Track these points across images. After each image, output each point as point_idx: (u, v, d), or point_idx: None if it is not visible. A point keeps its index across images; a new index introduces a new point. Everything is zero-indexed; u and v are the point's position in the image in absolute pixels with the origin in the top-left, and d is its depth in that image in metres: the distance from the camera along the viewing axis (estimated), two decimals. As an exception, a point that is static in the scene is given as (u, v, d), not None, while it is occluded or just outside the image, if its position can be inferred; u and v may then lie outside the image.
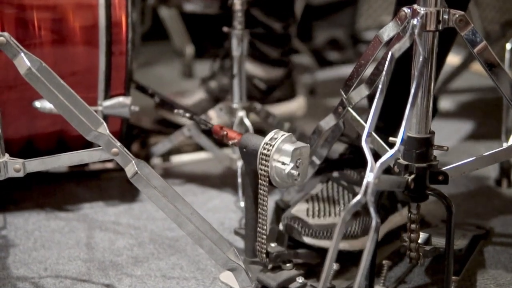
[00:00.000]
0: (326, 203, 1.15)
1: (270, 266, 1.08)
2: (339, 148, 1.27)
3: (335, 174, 1.20)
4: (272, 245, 1.07)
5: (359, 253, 1.09)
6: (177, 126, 1.53)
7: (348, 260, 1.07)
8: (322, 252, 1.09)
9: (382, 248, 1.16)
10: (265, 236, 1.04)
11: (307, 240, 1.10)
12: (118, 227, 1.27)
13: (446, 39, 0.96)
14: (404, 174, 0.95)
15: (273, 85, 1.68)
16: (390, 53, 0.91)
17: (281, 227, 1.14)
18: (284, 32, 1.68)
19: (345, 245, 1.10)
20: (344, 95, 1.04)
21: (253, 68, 1.64)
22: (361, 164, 1.18)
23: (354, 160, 1.21)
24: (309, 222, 1.11)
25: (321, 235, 1.10)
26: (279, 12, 1.66)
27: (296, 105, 1.73)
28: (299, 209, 1.14)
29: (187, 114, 1.35)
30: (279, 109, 1.64)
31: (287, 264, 1.07)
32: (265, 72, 1.67)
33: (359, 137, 1.18)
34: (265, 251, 1.05)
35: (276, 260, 1.06)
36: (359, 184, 1.17)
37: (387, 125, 1.14)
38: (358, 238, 1.12)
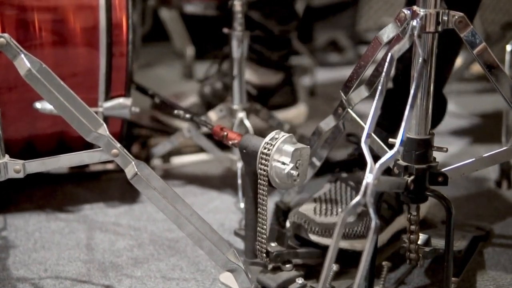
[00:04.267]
0: (334, 202, 1.15)
1: (270, 266, 1.08)
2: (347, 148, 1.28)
3: (344, 174, 1.20)
4: (272, 244, 1.07)
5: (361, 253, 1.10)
6: (172, 128, 1.54)
7: (350, 260, 1.07)
8: (325, 251, 1.09)
9: (382, 249, 1.16)
10: (265, 236, 1.04)
11: (313, 237, 1.10)
12: (118, 228, 1.27)
13: (453, 40, 0.96)
14: (403, 175, 0.95)
15: (268, 91, 1.66)
16: (389, 54, 0.91)
17: (288, 225, 1.14)
18: (283, 35, 1.67)
19: (346, 245, 1.10)
20: (344, 96, 1.04)
21: (246, 74, 1.63)
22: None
23: (363, 160, 1.21)
24: (316, 220, 1.11)
25: (327, 233, 1.10)
26: (278, 14, 1.65)
27: (294, 112, 1.71)
28: (307, 208, 1.14)
29: (187, 115, 1.35)
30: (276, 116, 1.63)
31: (287, 265, 1.07)
32: (260, 78, 1.65)
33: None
34: (265, 250, 1.05)
35: (276, 259, 1.06)
36: None
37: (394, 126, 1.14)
38: (363, 238, 1.12)
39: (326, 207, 1.14)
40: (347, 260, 1.06)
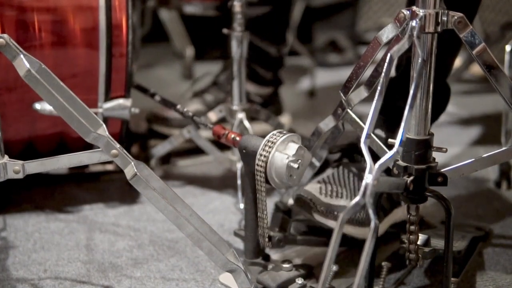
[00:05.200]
0: (338, 185, 1.15)
1: (270, 266, 1.08)
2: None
3: (345, 160, 1.21)
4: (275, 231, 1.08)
5: (362, 241, 1.10)
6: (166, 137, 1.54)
7: (349, 244, 1.06)
8: (325, 234, 1.10)
9: (381, 249, 1.16)
10: (266, 221, 1.04)
11: (317, 217, 1.10)
12: (118, 229, 1.27)
13: (452, 40, 0.96)
14: (403, 176, 0.95)
15: (266, 101, 1.68)
16: (389, 54, 0.91)
17: (291, 201, 1.14)
18: (278, 54, 1.69)
19: (350, 230, 1.10)
20: (344, 97, 1.04)
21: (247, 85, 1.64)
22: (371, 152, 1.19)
23: None
24: (321, 199, 1.11)
25: (331, 215, 1.10)
26: (274, 36, 1.67)
27: (284, 120, 1.73)
28: (312, 187, 1.14)
29: (190, 113, 1.35)
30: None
31: (287, 265, 1.07)
32: (257, 89, 1.67)
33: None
34: (267, 235, 1.05)
35: (278, 244, 1.06)
36: None
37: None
38: (365, 226, 1.12)
39: (332, 189, 1.14)
40: (345, 244, 1.06)
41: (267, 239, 1.06)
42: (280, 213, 1.14)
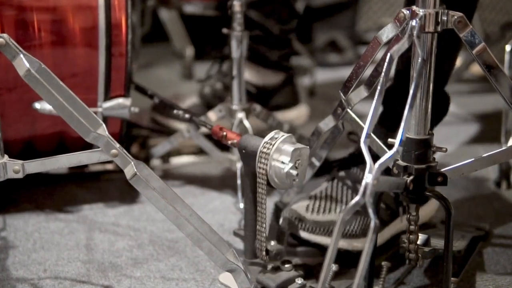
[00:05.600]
0: (328, 200, 1.15)
1: (269, 266, 1.08)
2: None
3: (341, 173, 1.20)
4: (272, 243, 1.07)
5: (357, 253, 1.10)
6: (170, 130, 1.54)
7: (345, 260, 1.07)
8: (319, 248, 1.10)
9: (381, 249, 1.16)
10: (264, 234, 1.04)
11: (303, 234, 1.11)
12: (118, 229, 1.27)
13: (452, 40, 0.96)
14: (403, 176, 0.95)
15: (268, 92, 1.66)
16: (388, 54, 0.91)
17: (281, 222, 1.14)
18: (283, 34, 1.67)
19: (343, 244, 1.10)
20: (343, 96, 1.04)
21: (246, 73, 1.62)
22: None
23: (362, 159, 1.21)
24: (306, 217, 1.11)
25: (317, 231, 1.10)
26: (278, 14, 1.65)
27: (295, 113, 1.71)
28: (300, 205, 1.14)
29: (186, 116, 1.35)
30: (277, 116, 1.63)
31: (286, 265, 1.07)
32: (261, 78, 1.65)
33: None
34: (264, 249, 1.05)
35: (276, 258, 1.06)
36: None
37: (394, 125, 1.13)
38: (358, 238, 1.12)
39: (319, 205, 1.14)
40: (340, 260, 1.06)
41: (264, 253, 1.05)
42: (277, 225, 1.15)
